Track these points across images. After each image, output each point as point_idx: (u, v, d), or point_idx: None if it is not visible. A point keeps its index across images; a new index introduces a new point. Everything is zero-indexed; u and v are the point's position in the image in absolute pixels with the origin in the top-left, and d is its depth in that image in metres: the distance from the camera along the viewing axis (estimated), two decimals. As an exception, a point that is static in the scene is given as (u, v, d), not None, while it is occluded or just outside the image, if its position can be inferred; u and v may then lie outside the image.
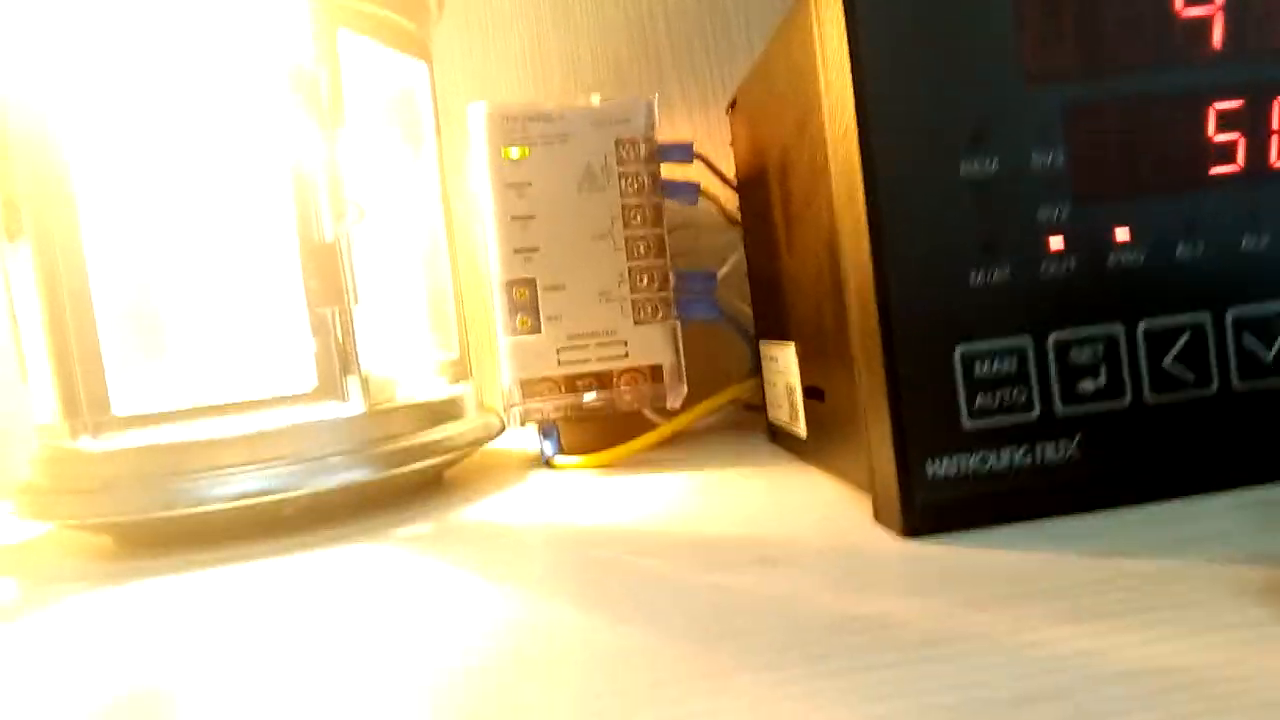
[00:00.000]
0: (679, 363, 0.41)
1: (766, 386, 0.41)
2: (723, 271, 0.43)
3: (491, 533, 0.32)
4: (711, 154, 0.46)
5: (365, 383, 0.35)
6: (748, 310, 0.43)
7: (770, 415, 0.41)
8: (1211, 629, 0.17)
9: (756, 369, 0.42)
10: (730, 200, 0.44)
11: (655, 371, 0.41)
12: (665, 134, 0.55)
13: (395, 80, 0.43)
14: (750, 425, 0.45)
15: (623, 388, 0.41)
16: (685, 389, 0.41)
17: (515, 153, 0.39)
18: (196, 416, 0.34)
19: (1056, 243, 0.25)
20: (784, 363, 0.37)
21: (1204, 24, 0.25)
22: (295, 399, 0.34)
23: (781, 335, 0.37)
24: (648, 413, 0.43)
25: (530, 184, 0.39)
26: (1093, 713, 0.15)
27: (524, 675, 0.19)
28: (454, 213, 0.45)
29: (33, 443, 0.38)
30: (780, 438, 0.40)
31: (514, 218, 0.39)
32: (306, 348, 0.34)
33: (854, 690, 0.17)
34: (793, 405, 0.37)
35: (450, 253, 0.43)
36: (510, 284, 0.39)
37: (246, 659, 0.22)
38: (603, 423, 0.45)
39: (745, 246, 0.42)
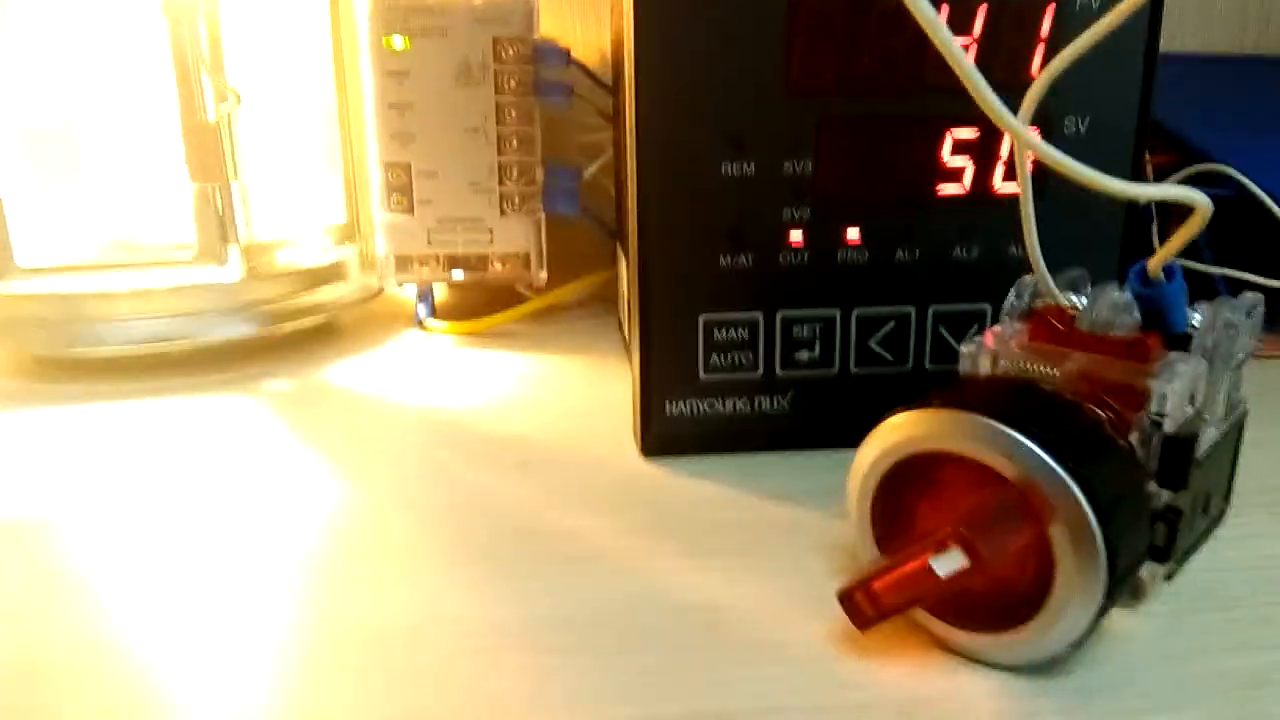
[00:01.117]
0: (541, 252, 0.45)
1: (619, 280, 0.46)
2: (589, 171, 0.47)
3: (335, 399, 0.38)
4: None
5: (244, 250, 0.40)
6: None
7: (618, 305, 0.46)
8: (770, 575, 0.24)
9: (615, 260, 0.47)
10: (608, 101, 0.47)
11: (521, 258, 0.45)
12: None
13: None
14: (615, 301, 0.50)
15: (495, 265, 0.46)
16: (545, 275, 0.46)
17: (399, 42, 0.41)
18: (92, 270, 0.38)
19: (796, 237, 0.30)
20: (623, 270, 0.42)
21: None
22: (179, 262, 0.39)
23: (624, 247, 0.42)
24: (520, 287, 0.48)
25: (409, 73, 0.42)
26: (653, 628, 0.22)
27: (317, 562, 0.26)
28: (353, 77, 0.47)
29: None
30: (621, 328, 0.46)
31: (391, 105, 0.42)
32: (187, 218, 0.38)
33: (516, 596, 0.23)
34: (628, 307, 0.42)
35: (342, 118, 0.46)
36: (387, 165, 0.43)
37: (106, 494, 0.29)
38: (478, 287, 0.50)
39: (614, 147, 0.46)
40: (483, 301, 0.50)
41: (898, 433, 0.20)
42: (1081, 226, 0.30)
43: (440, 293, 0.50)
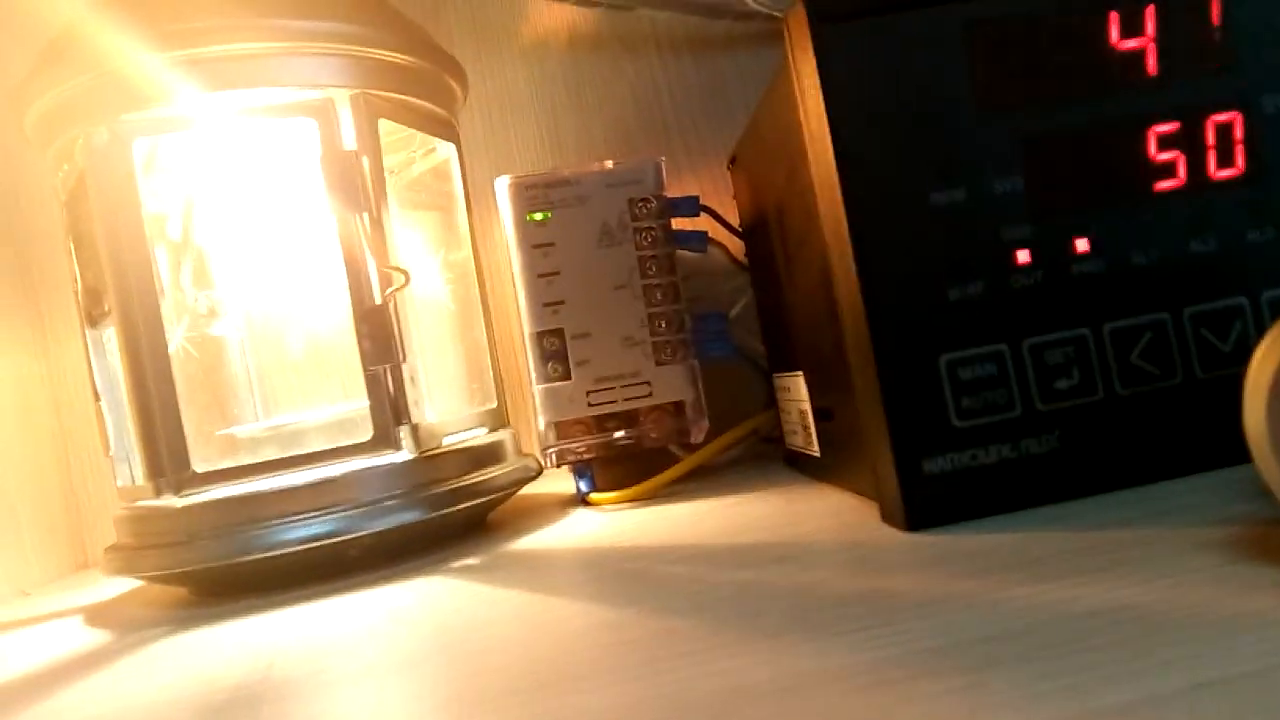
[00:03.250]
0: (699, 399, 0.44)
1: (782, 415, 0.44)
2: (734, 312, 0.47)
3: (536, 559, 0.35)
4: (717, 206, 0.49)
5: (415, 431, 0.39)
6: (760, 347, 0.46)
7: (786, 441, 0.44)
8: (1166, 575, 0.20)
9: (771, 402, 0.45)
10: (737, 247, 0.48)
11: (678, 408, 0.44)
12: (673, 192, 0.60)
13: (430, 159, 0.47)
14: (768, 456, 0.47)
15: (649, 424, 0.44)
16: (706, 424, 0.44)
17: (539, 216, 0.43)
18: (267, 471, 0.37)
19: (1023, 257, 0.28)
20: (795, 391, 0.40)
21: (1139, 54, 0.29)
22: (354, 450, 0.38)
23: (791, 366, 0.40)
24: (673, 448, 0.46)
25: (553, 244, 0.43)
26: (1054, 642, 0.17)
27: (575, 657, 0.22)
28: (486, 275, 0.49)
29: (115, 509, 0.42)
30: (797, 462, 0.43)
31: (540, 275, 0.43)
32: (363, 403, 0.38)
33: (853, 645, 0.19)
34: (806, 428, 0.39)
35: (484, 313, 0.47)
36: (540, 335, 0.43)
37: (343, 676, 0.25)
38: (631, 462, 0.48)
39: (754, 288, 0.46)
40: (633, 477, 0.48)
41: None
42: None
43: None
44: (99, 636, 0.35)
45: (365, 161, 0.39)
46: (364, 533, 0.37)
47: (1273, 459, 0.18)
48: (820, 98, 0.28)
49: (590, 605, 0.26)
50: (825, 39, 0.28)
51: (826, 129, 0.28)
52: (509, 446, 0.45)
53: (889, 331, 0.28)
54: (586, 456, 0.44)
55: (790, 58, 0.30)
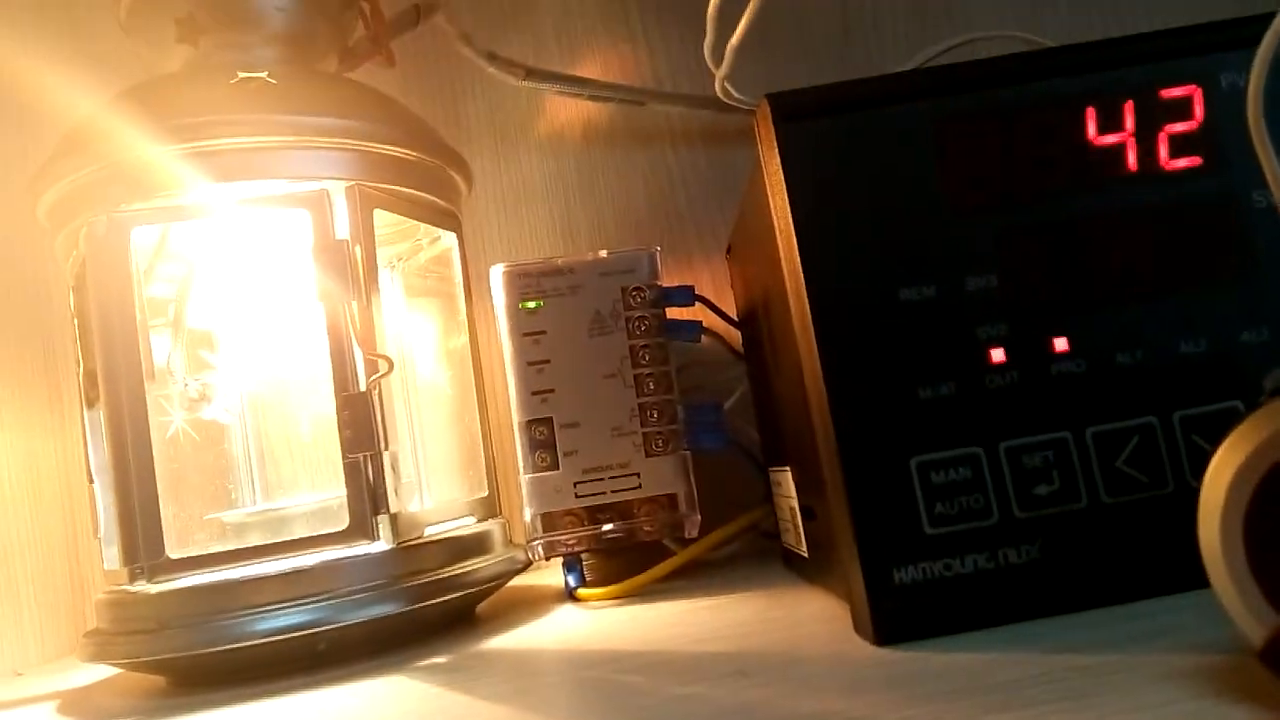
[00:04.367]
0: (691, 492, 0.43)
1: (777, 512, 0.42)
2: (729, 403, 0.46)
3: (502, 660, 0.33)
4: (727, 296, 0.49)
5: (394, 521, 0.38)
6: (758, 438, 0.45)
7: (781, 539, 0.42)
8: (1124, 709, 0.18)
9: (769, 496, 0.44)
10: (735, 337, 0.47)
11: (672, 501, 0.43)
12: (685, 282, 0.59)
13: (436, 247, 0.48)
14: (768, 553, 0.46)
15: (642, 518, 0.43)
16: (699, 517, 0.43)
17: (532, 305, 0.43)
18: (241, 559, 0.37)
19: (998, 356, 0.27)
20: (785, 486, 0.39)
21: (1118, 149, 0.28)
22: (329, 539, 0.37)
23: (782, 460, 0.39)
24: (667, 542, 0.45)
25: (545, 332, 0.43)
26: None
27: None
28: (487, 362, 0.49)
29: (98, 592, 0.42)
30: (791, 561, 0.41)
31: (530, 363, 0.43)
32: (340, 491, 0.37)
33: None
34: (796, 527, 0.38)
35: (480, 398, 0.47)
36: (529, 424, 0.42)
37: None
38: (626, 554, 0.46)
39: (749, 379, 0.45)
40: (626, 570, 0.46)
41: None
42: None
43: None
44: (60, 727, 0.35)
45: (358, 251, 0.39)
46: (334, 625, 0.36)
47: (1229, 582, 0.16)
48: (784, 191, 0.27)
49: (532, 717, 0.25)
50: (789, 137, 0.28)
51: (790, 223, 0.27)
52: (497, 537, 0.44)
53: (856, 431, 0.27)
54: (576, 549, 0.43)
55: (760, 153, 0.29)
